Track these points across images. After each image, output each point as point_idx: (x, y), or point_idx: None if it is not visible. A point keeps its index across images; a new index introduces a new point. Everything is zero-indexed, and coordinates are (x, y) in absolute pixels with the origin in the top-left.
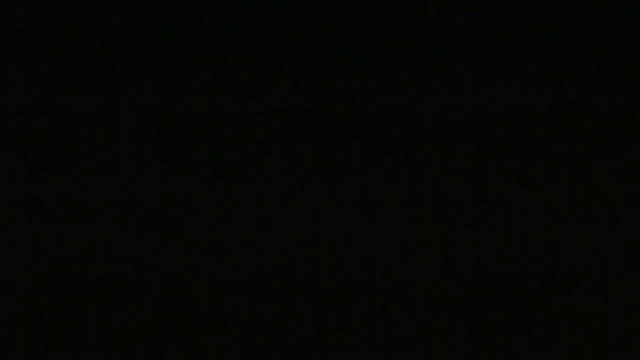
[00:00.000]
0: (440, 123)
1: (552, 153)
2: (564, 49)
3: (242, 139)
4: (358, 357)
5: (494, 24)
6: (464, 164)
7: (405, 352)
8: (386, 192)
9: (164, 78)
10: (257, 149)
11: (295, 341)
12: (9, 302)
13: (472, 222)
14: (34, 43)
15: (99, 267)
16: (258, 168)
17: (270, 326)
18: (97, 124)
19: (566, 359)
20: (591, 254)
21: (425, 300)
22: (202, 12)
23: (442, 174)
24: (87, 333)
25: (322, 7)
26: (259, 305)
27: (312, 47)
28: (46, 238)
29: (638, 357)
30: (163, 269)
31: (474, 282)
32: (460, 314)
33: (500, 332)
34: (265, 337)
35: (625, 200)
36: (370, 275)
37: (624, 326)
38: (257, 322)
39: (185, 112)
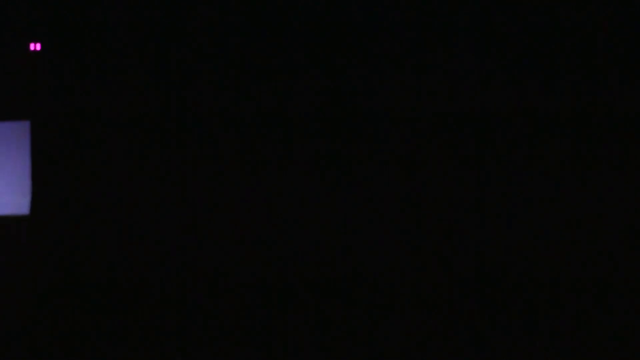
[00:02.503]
0: (440, 123)
1: (552, 153)
2: (564, 49)
3: (242, 139)
4: (358, 357)
5: (494, 24)
6: (464, 164)
7: (405, 352)
8: (386, 192)
9: (164, 78)
10: (257, 149)
11: (295, 341)
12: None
13: (472, 222)
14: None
15: (99, 267)
16: (258, 168)
17: (270, 326)
18: (97, 124)
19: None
20: (591, 254)
21: (425, 300)
22: (202, 12)
23: (442, 173)
24: (87, 333)
25: (323, 7)
26: (258, 305)
27: (312, 47)
28: (47, 238)
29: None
30: (163, 269)
31: (474, 282)
32: (460, 314)
33: (500, 332)
34: (265, 337)
35: (625, 200)
36: (370, 274)
37: (624, 326)
38: (256, 322)
39: (185, 112)
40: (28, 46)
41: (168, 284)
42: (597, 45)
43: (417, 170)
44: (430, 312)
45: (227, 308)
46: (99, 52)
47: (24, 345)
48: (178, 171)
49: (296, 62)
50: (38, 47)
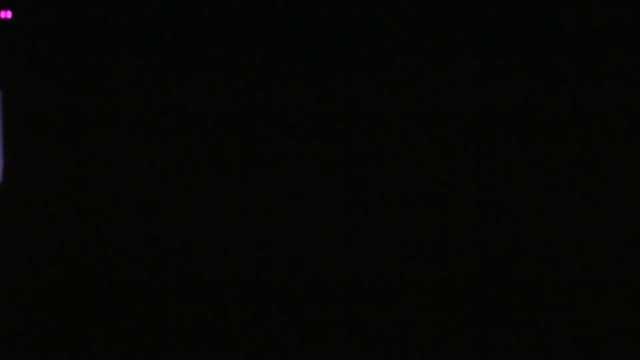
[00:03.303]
0: (440, 123)
1: (552, 153)
2: (563, 49)
3: (242, 139)
4: (358, 357)
5: (494, 24)
6: (464, 164)
7: (404, 352)
8: (386, 193)
9: (163, 79)
10: (256, 149)
11: (294, 341)
12: (8, 302)
13: (472, 222)
14: (36, 43)
15: (99, 267)
16: (258, 168)
17: (270, 326)
18: (97, 124)
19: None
20: (591, 254)
21: (424, 300)
22: (203, 12)
23: (442, 174)
24: (87, 333)
25: (323, 7)
26: (259, 306)
27: (312, 47)
28: (47, 238)
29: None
30: (163, 269)
31: (473, 282)
32: (460, 314)
33: (500, 332)
34: (265, 337)
35: (625, 200)
36: (370, 275)
37: (624, 326)
38: (256, 322)
39: (185, 112)
40: None
41: (149, 259)
42: (597, 45)
43: (416, 171)
44: (430, 313)
45: (225, 308)
46: (72, 20)
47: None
48: (154, 146)
49: (295, 61)
50: (9, 15)
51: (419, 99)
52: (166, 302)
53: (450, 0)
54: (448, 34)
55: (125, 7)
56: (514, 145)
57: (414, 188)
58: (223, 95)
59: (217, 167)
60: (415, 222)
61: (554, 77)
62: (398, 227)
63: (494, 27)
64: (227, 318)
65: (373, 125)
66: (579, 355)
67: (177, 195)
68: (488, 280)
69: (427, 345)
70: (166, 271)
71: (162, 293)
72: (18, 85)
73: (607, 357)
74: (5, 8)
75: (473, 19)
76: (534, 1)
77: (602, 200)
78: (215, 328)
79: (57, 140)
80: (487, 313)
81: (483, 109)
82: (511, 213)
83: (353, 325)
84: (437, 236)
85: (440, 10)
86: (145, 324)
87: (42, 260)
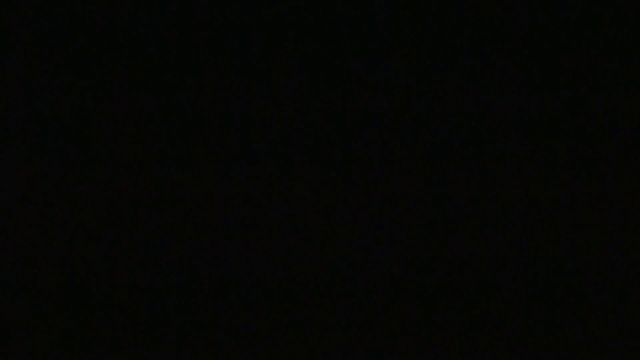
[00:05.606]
0: (440, 123)
1: (552, 153)
2: (562, 49)
3: (242, 139)
4: (357, 357)
5: (494, 24)
6: (464, 164)
7: (403, 352)
8: (386, 193)
9: (163, 78)
10: (257, 149)
11: (294, 341)
12: (8, 302)
13: (472, 222)
14: (34, 43)
15: (99, 268)
16: (257, 168)
17: (270, 326)
18: (97, 124)
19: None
20: (591, 254)
21: (423, 300)
22: (203, 12)
23: (442, 174)
24: (87, 333)
25: (323, 7)
26: (258, 306)
27: (312, 47)
28: (46, 238)
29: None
30: (163, 270)
31: (472, 281)
32: (458, 314)
33: (498, 332)
34: (264, 337)
35: (625, 200)
36: (369, 275)
37: (624, 326)
38: (256, 323)
39: (185, 113)
40: None
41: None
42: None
43: (415, 171)
44: (429, 314)
45: (225, 309)
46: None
47: None
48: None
49: (294, 61)
50: None
51: (418, 99)
52: (165, 303)
53: (450, 1)
54: (448, 34)
55: (124, 7)
56: (514, 145)
57: (413, 189)
58: (222, 95)
59: (216, 167)
60: (415, 222)
61: (553, 78)
62: (397, 228)
63: (493, 27)
64: (226, 318)
65: (372, 126)
66: (579, 356)
67: (176, 195)
68: (487, 281)
69: (427, 346)
70: (165, 272)
71: (161, 293)
72: (13, 86)
73: (607, 357)
74: None
75: (473, 19)
76: (534, 1)
77: (602, 201)
78: (215, 328)
79: (56, 140)
80: (486, 314)
81: (482, 109)
82: (511, 214)
83: (352, 325)
84: (436, 237)
85: (440, 10)
86: (144, 325)
87: (40, 262)
